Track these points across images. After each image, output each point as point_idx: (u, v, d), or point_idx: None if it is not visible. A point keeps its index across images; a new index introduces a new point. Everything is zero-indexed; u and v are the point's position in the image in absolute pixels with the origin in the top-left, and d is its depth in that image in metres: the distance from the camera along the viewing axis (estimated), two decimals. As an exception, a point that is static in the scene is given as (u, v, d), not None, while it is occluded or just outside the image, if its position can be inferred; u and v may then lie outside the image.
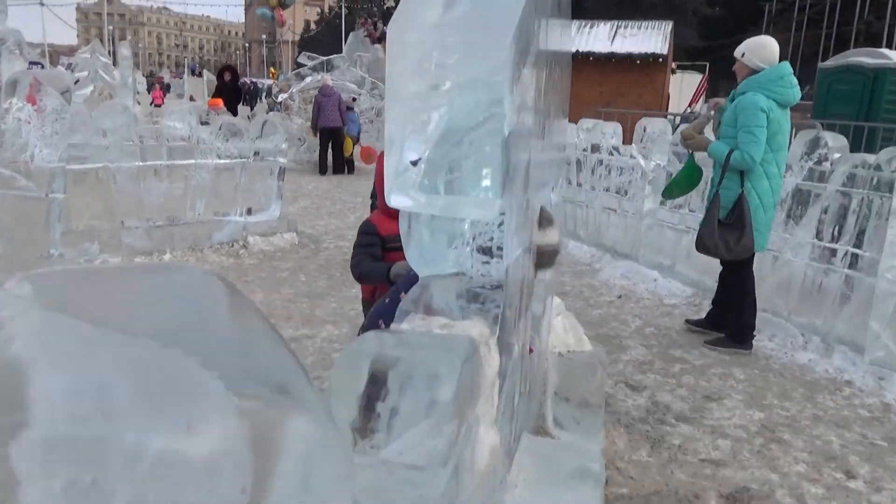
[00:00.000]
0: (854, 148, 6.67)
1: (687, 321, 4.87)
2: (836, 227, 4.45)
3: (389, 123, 1.27)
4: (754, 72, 4.06)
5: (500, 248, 1.36)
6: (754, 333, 4.42)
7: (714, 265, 4.76)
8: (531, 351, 2.30)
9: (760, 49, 4.04)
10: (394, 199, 1.27)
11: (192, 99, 30.12)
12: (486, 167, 1.25)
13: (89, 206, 6.12)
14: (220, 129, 6.52)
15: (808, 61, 20.24)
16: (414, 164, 1.29)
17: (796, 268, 4.66)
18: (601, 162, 6.85)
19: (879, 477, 3.00)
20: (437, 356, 1.06)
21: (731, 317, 4.45)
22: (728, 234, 3.99)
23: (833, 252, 4.43)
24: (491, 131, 1.24)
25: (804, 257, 4.60)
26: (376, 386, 1.04)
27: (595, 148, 6.98)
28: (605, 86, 17.36)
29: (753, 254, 4.25)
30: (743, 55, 4.11)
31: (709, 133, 4.50)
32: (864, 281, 4.16)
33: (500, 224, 1.33)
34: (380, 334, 1.12)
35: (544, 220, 2.21)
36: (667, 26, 17.21)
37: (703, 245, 4.17)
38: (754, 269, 4.79)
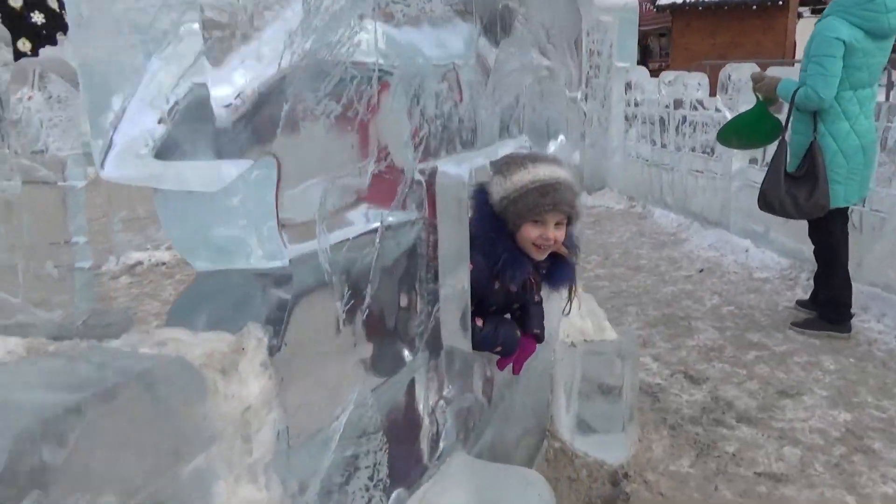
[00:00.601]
0: None
1: (798, 302, 4.11)
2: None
3: (81, 62, 0.90)
4: (845, -6, 3.26)
5: (281, 237, 0.96)
6: (853, 312, 3.64)
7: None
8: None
9: (847, -38, 3.23)
10: (107, 170, 0.91)
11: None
12: (198, 123, 0.85)
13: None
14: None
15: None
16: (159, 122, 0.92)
17: (913, 231, 3.80)
18: (684, 118, 6.08)
19: None
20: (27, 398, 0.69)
21: (820, 292, 3.70)
22: (796, 189, 3.25)
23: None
24: (195, 75, 0.84)
25: (923, 218, 3.73)
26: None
27: (678, 103, 6.21)
28: (718, 37, 15.85)
29: (844, 214, 3.47)
30: (828, -27, 3.32)
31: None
32: None
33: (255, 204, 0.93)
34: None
35: (528, 161, 1.71)
36: (789, -36, 15.36)
37: (765, 201, 3.45)
38: (861, 232, 3.98)
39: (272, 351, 0.95)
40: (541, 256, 1.74)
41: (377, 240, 1.24)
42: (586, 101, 8.34)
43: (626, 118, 7.54)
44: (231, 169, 0.87)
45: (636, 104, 7.22)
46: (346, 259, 1.17)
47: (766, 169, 3.50)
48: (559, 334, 2.57)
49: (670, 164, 6.50)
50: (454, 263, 1.62)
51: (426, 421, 1.57)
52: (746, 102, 5.15)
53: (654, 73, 7.49)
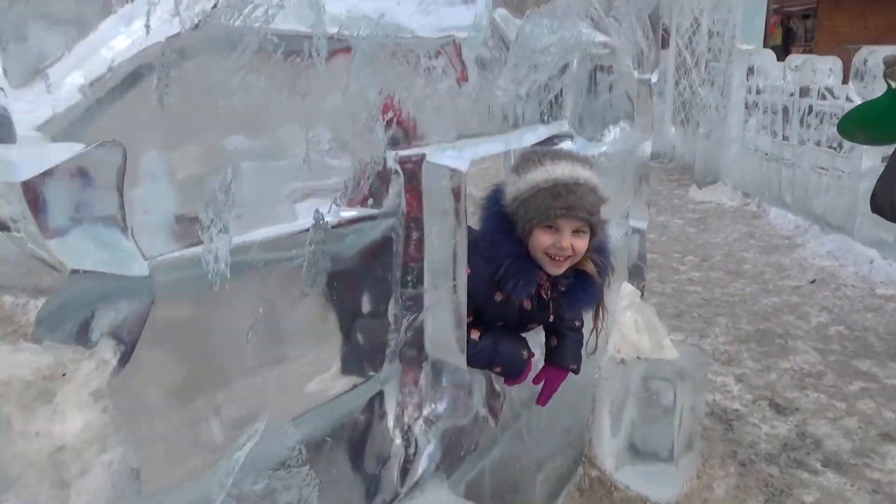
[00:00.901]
0: None
1: None
2: None
3: None
4: None
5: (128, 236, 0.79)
6: None
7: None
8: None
9: None
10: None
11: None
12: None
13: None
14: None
15: None
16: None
17: None
18: (811, 108, 5.41)
19: None
20: None
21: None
22: (915, 193, 2.73)
23: None
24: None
25: None
26: None
27: (805, 91, 5.53)
28: (871, 19, 14.17)
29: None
30: None
31: None
32: None
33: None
34: None
35: (546, 158, 1.45)
36: (965, -66, 13.38)
37: (874, 203, 2.99)
38: None
39: (118, 373, 0.78)
40: (556, 270, 1.47)
41: (311, 238, 1.04)
42: (702, 86, 7.70)
43: (747, 106, 6.86)
44: (46, 155, 0.70)
45: (758, 91, 6.54)
46: (261, 261, 0.99)
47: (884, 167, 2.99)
48: (607, 348, 2.27)
49: (791, 158, 5.83)
50: (444, 267, 1.40)
51: (397, 441, 1.38)
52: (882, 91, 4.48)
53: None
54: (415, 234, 1.36)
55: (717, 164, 7.40)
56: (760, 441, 2.64)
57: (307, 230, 1.06)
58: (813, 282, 4.45)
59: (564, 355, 1.69)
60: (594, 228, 1.46)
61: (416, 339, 1.40)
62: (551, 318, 1.60)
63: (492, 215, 1.50)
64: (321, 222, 1.07)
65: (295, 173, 1.04)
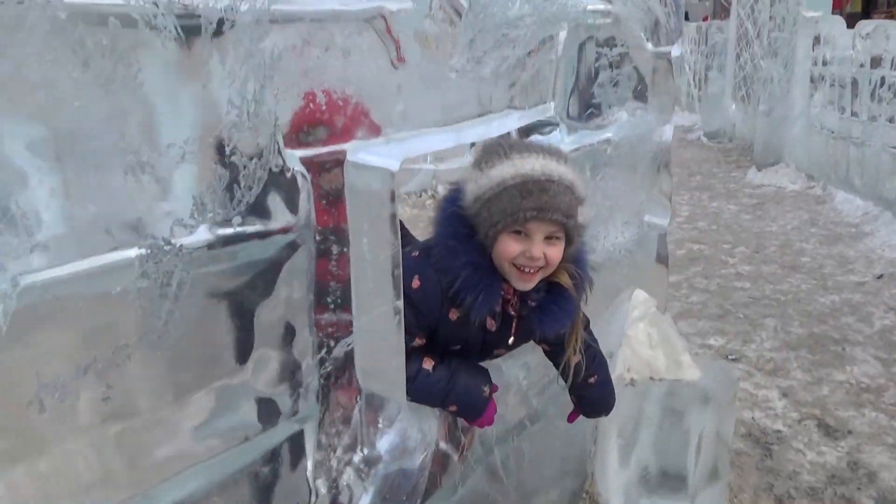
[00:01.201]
0: None
1: None
2: None
3: None
4: None
5: None
6: None
7: None
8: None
9: None
10: None
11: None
12: None
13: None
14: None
15: None
16: None
17: None
18: (883, 80, 4.85)
19: None
20: None
21: None
22: None
23: None
24: None
25: None
26: None
27: (876, 61, 4.97)
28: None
29: None
30: None
31: None
32: None
33: None
34: None
35: (514, 150, 1.18)
36: None
37: None
38: None
39: None
40: (525, 284, 1.21)
41: (145, 269, 0.81)
42: (765, 59, 7.11)
43: (812, 79, 6.27)
44: None
45: (825, 62, 5.95)
46: (78, 300, 0.76)
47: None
48: (614, 367, 1.97)
49: (861, 137, 5.28)
50: (378, 284, 1.15)
51: (322, 492, 1.16)
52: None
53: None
54: (335, 249, 1.12)
55: (780, 144, 6.83)
56: (803, 471, 2.29)
57: (157, 255, 0.83)
58: (880, 277, 3.98)
59: (589, 412, 1.62)
60: (570, 234, 1.19)
61: (343, 371, 1.17)
62: (592, 380, 1.46)
63: (448, 217, 1.24)
64: (165, 246, 0.83)
65: (132, 187, 0.81)
